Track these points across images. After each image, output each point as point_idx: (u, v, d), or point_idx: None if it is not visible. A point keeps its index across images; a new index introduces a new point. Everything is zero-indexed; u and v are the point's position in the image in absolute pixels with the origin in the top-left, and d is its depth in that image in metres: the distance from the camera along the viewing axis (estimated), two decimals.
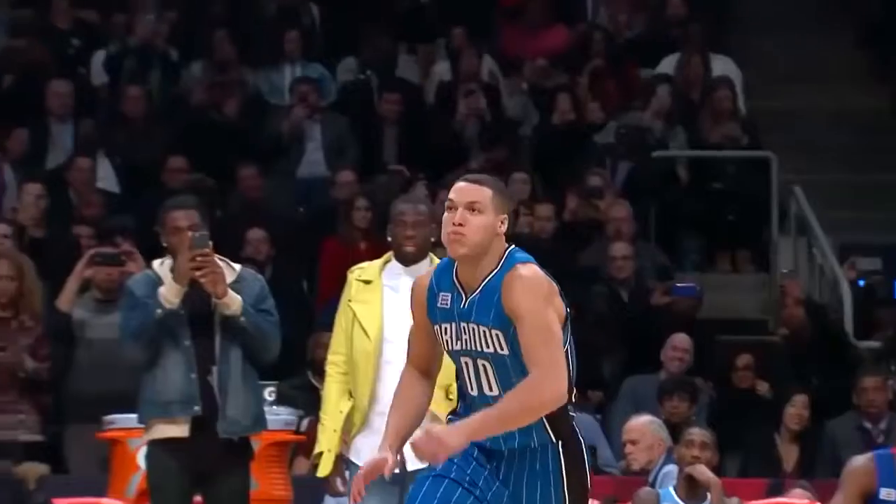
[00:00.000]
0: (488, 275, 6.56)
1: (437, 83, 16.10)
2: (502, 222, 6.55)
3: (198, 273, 8.51)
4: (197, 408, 8.68)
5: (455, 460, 6.57)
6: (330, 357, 8.72)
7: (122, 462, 10.31)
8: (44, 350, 11.50)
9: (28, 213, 13.12)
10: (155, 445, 8.86)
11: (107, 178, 14.20)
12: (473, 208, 6.51)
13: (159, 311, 8.62)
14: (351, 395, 8.65)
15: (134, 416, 9.19)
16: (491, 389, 6.56)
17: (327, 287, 12.35)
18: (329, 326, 9.03)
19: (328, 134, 14.84)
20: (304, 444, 10.78)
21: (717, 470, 10.85)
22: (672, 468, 10.88)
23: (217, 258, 8.66)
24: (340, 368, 8.60)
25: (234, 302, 8.62)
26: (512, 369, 6.52)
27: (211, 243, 8.55)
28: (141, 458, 9.62)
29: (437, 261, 8.65)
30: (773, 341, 14.47)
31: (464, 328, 6.59)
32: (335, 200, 13.95)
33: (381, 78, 15.64)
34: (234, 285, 8.69)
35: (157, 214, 8.95)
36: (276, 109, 15.20)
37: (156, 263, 8.93)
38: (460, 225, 6.49)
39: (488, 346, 6.55)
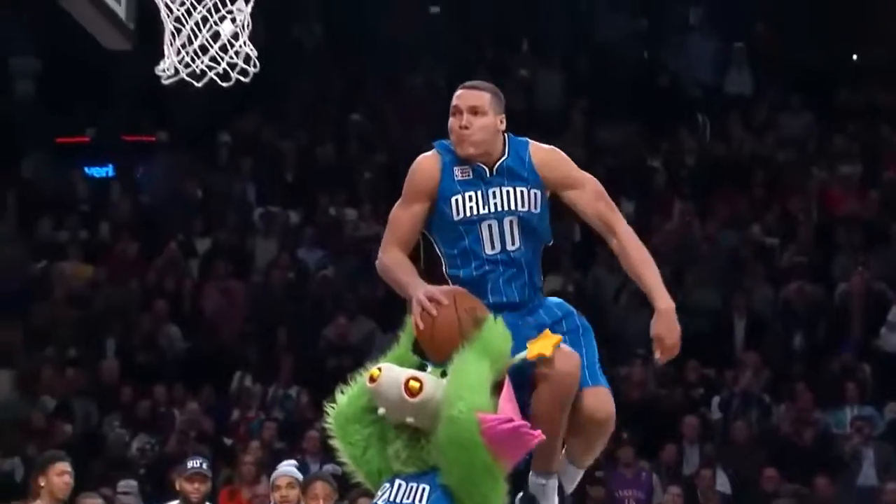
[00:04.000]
0: (501, 155, 5.56)
1: None
2: (501, 121, 5.59)
3: None
4: None
5: None
6: None
7: None
8: None
9: None
10: None
11: (722, 484, 14.34)
12: (476, 111, 5.51)
13: None
14: None
15: None
16: (514, 243, 5.50)
17: None
18: None
19: (878, 456, 14.66)
20: None
21: None
22: None
23: None
24: None
25: None
26: (537, 227, 5.57)
27: None
28: None
29: None
30: None
31: (493, 193, 5.50)
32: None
33: None
34: None
35: None
36: (840, 438, 15.11)
37: None
38: (465, 128, 5.48)
39: (523, 206, 5.52)
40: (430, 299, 5.24)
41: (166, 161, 18.26)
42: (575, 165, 5.73)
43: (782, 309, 16.37)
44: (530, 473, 5.46)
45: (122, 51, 6.63)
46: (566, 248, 17.18)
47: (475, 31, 20.27)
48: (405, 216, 5.51)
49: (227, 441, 14.75)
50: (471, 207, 5.48)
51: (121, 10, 6.23)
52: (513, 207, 5.50)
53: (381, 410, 4.99)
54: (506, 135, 5.62)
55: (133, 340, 16.12)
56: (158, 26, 5.74)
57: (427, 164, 5.53)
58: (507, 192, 5.51)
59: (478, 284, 5.46)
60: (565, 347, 5.37)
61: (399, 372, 4.98)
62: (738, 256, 16.86)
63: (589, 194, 5.68)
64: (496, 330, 5.08)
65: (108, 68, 17.29)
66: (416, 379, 4.93)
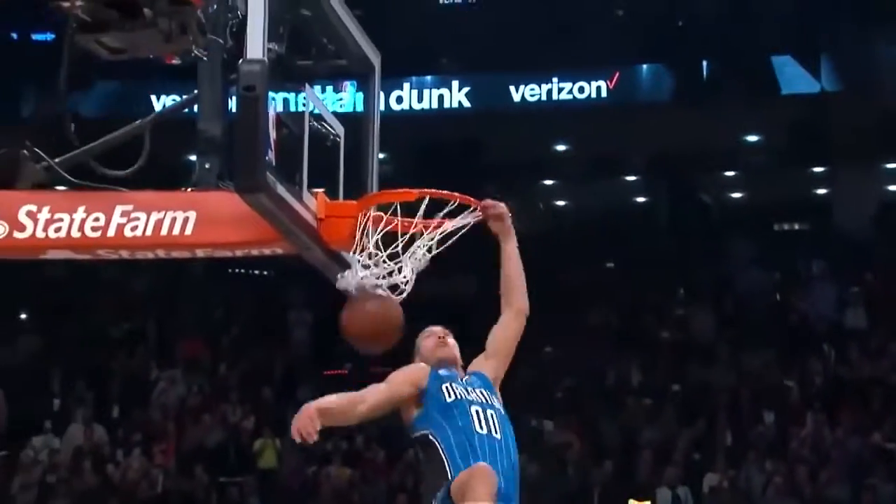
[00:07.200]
0: (465, 373, 5.53)
1: None
2: None
3: None
4: None
5: None
6: None
7: None
8: None
9: None
10: None
11: None
12: (447, 335, 5.63)
13: None
14: None
15: None
16: (497, 434, 5.27)
17: None
18: None
19: None
20: None
21: None
22: None
23: None
24: None
25: None
26: (507, 422, 5.38)
27: None
28: None
29: None
30: None
31: (469, 391, 5.38)
32: None
33: None
34: None
35: None
36: None
37: None
38: (443, 338, 5.60)
39: (496, 402, 5.39)
40: None
41: None
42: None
43: None
44: None
45: None
46: (720, 449, 16.84)
47: (639, 280, 20.28)
48: (389, 392, 5.40)
49: None
50: (460, 394, 5.36)
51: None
52: (487, 402, 5.38)
53: None
54: None
55: None
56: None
57: (423, 371, 5.47)
58: (480, 391, 5.41)
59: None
60: None
61: None
62: (863, 459, 16.31)
63: (498, 333, 5.67)
64: None
65: None
66: None
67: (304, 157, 5.56)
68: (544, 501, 16.04)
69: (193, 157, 5.71)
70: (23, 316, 20.18)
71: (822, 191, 22.73)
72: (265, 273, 21.71)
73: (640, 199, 23.74)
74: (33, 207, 5.67)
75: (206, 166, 5.61)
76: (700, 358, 18.44)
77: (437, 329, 5.69)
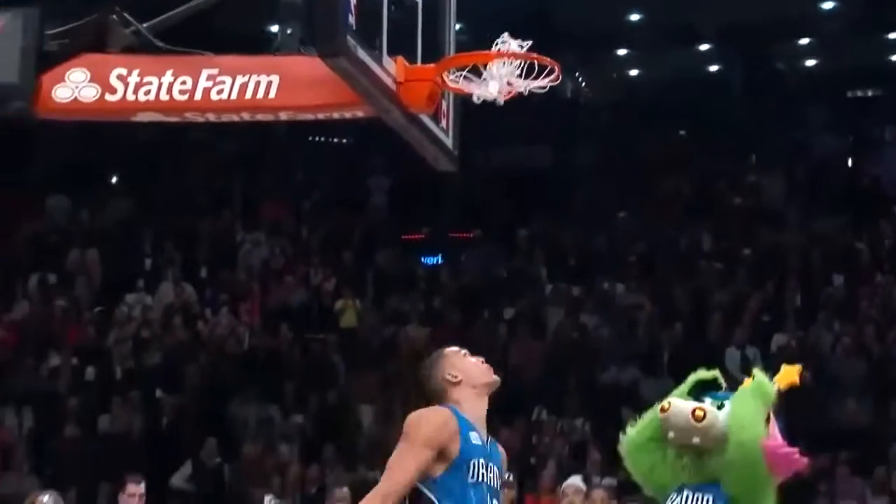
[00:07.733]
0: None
1: None
2: None
3: None
4: None
5: None
6: None
7: None
8: None
9: None
10: None
11: None
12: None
13: None
14: None
15: None
16: None
17: None
18: None
19: None
20: None
21: None
22: None
23: None
24: None
25: None
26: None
27: None
28: None
29: None
30: None
31: (490, 467, 4.49)
32: None
33: None
34: None
35: None
36: None
37: None
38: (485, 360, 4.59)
39: (499, 487, 4.54)
40: None
41: (481, 252, 18.59)
42: None
43: None
44: None
45: (448, 171, 6.78)
46: (790, 310, 16.82)
47: (713, 148, 20.09)
48: (415, 466, 4.32)
49: (532, 460, 14.80)
50: (482, 474, 4.43)
51: (448, 141, 6.41)
52: (496, 486, 4.54)
53: (671, 434, 4.82)
54: None
55: None
56: (473, 152, 5.79)
57: (450, 419, 4.36)
58: (495, 469, 4.53)
59: None
60: None
61: (685, 403, 4.90)
62: None
63: None
64: (766, 380, 4.98)
65: (438, 184, 17.71)
66: (700, 409, 4.86)
67: (383, 22, 5.55)
68: (614, 361, 16.18)
69: (275, 28, 5.73)
70: (114, 179, 20.46)
71: None
72: (345, 141, 21.78)
73: (714, 68, 23.36)
74: (124, 71, 5.74)
75: (288, 32, 5.63)
76: (771, 222, 18.32)
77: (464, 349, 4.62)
